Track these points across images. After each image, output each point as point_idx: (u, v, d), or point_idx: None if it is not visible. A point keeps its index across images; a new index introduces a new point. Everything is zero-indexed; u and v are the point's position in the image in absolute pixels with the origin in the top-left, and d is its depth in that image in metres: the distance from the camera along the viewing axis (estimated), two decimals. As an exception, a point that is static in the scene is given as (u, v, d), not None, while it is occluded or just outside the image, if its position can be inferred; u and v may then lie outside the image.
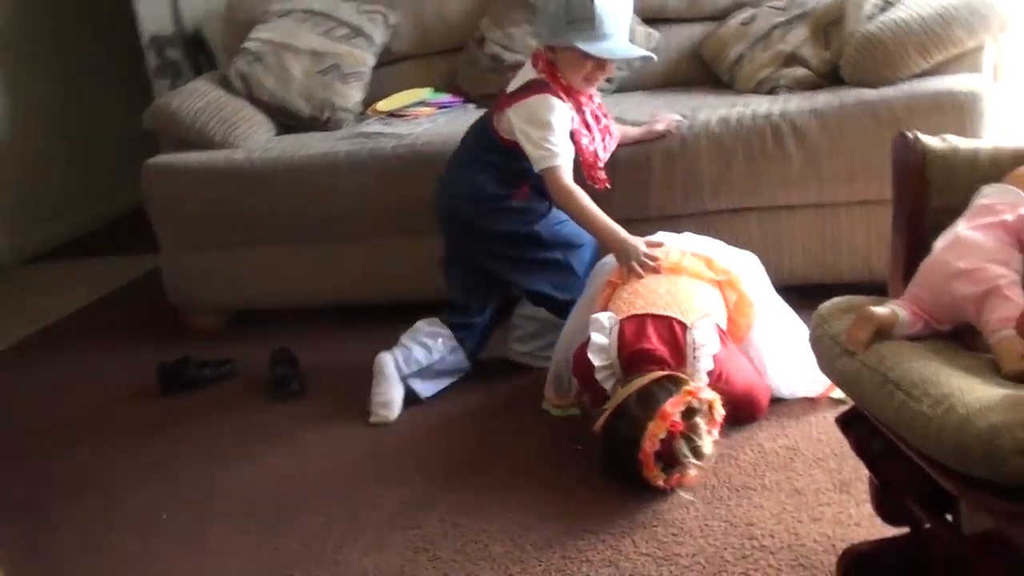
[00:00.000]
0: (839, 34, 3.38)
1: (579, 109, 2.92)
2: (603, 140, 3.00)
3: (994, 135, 3.08)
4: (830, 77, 3.36)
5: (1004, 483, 1.38)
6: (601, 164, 2.97)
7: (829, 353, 1.79)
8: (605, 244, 2.85)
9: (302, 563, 2.32)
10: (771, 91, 3.38)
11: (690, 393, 2.35)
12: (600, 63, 2.86)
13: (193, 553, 2.44)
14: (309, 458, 2.79)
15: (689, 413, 2.35)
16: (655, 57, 3.12)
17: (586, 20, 2.76)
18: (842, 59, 3.30)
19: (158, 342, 3.76)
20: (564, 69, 2.86)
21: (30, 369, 3.80)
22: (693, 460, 2.32)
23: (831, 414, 2.58)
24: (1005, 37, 3.28)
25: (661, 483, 2.34)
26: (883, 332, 1.74)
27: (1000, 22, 3.16)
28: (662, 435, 2.30)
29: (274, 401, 3.17)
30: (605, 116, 3.04)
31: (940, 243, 1.80)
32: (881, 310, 1.75)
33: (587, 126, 2.94)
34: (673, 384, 2.38)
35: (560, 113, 2.84)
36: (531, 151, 2.83)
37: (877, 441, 1.86)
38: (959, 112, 3.00)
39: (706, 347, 2.48)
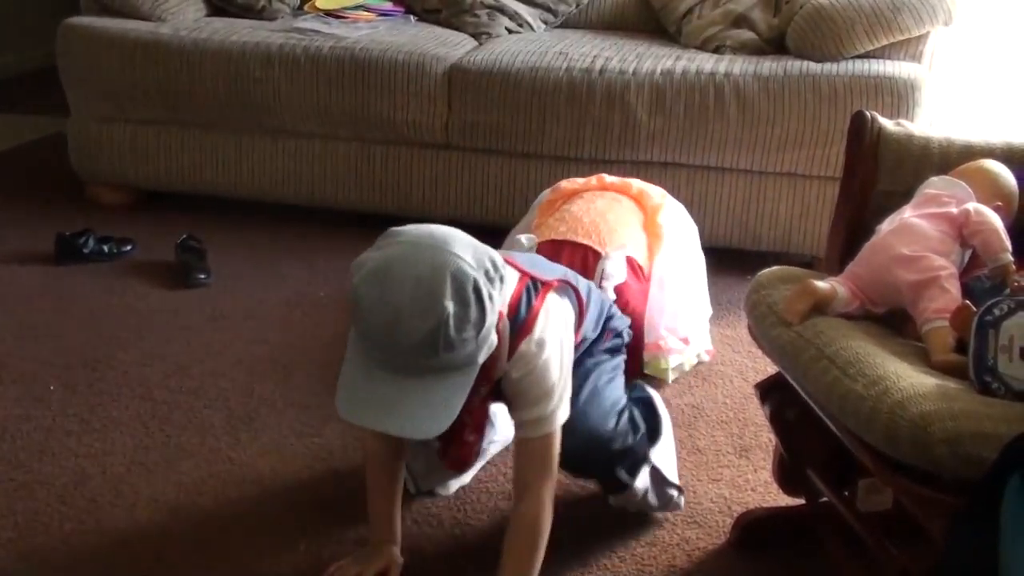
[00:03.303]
0: (791, 2, 3.39)
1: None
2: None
3: (923, 125, 3.13)
4: (775, 44, 3.37)
5: (928, 470, 1.41)
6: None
7: (764, 321, 1.81)
8: None
9: (195, 456, 2.27)
10: (716, 50, 3.37)
11: None
12: None
13: (80, 428, 2.37)
14: (209, 352, 2.72)
15: None
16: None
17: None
18: (789, 28, 3.32)
19: (57, 210, 3.62)
20: None
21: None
22: None
23: (738, 379, 2.63)
24: (947, 30, 3.33)
25: None
26: (820, 307, 1.76)
27: (946, 15, 3.20)
28: None
29: (178, 288, 3.08)
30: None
31: (886, 226, 1.83)
32: (822, 285, 1.77)
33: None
34: None
35: None
36: None
37: (792, 412, 1.89)
38: (896, 98, 3.04)
39: (613, 278, 2.50)
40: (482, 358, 1.61)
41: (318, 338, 2.80)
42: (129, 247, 3.32)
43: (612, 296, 2.48)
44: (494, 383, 1.77)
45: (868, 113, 1.96)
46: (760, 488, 2.19)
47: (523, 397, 1.75)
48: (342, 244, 3.38)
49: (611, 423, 1.93)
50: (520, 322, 1.73)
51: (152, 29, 3.56)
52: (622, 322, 2.07)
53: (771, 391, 1.93)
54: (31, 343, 2.75)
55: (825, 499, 1.95)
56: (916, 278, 1.71)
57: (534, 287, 1.79)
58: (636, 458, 1.98)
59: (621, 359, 2.06)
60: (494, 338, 1.63)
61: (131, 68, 3.53)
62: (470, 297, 1.55)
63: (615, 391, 1.99)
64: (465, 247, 1.61)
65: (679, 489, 2.09)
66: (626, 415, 1.97)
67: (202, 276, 3.10)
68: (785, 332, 1.74)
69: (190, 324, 2.87)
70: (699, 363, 2.70)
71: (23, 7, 5.34)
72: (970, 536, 1.26)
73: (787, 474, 2.01)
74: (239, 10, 3.76)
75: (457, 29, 3.66)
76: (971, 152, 1.94)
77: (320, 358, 2.69)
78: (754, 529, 2.03)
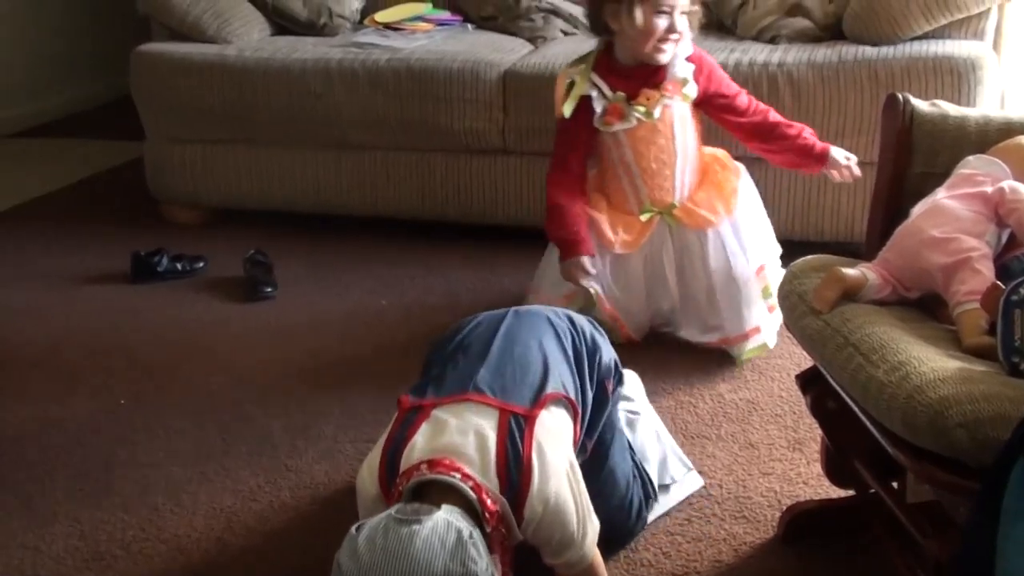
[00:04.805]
0: (846, -13, 3.33)
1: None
2: None
3: (991, 103, 3.05)
4: (832, 31, 3.32)
5: (947, 455, 1.38)
6: None
7: (795, 310, 1.79)
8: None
9: (253, 463, 2.33)
10: (772, 40, 3.33)
11: None
12: None
13: (146, 438, 2.45)
14: (271, 363, 2.78)
15: None
16: None
17: None
18: (845, 13, 3.26)
19: (135, 231, 3.73)
20: None
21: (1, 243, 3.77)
22: None
23: (795, 371, 2.58)
24: (1010, 5, 3.24)
25: None
26: (851, 294, 1.74)
27: (1007, -10, 3.12)
28: None
29: (245, 302, 3.16)
30: None
31: (918, 209, 1.80)
32: (851, 272, 1.74)
33: None
34: None
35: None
36: None
37: (833, 402, 1.87)
38: (957, 78, 2.96)
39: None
40: None
41: (378, 347, 2.84)
42: (201, 264, 3.41)
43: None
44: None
45: (900, 95, 1.92)
46: (812, 481, 2.16)
47: (547, 545, 1.69)
48: (404, 254, 3.45)
49: (626, 506, 1.97)
50: (515, 483, 1.62)
51: (218, 51, 3.65)
52: (608, 354, 1.95)
53: (812, 382, 1.91)
54: (104, 358, 2.85)
55: (874, 490, 1.91)
56: (946, 260, 1.68)
57: (517, 426, 1.66)
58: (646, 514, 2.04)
59: (623, 421, 2.05)
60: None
61: (199, 90, 3.63)
62: None
63: (625, 466, 1.98)
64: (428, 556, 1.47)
65: (687, 469, 2.16)
66: (637, 485, 1.99)
67: (268, 289, 3.17)
68: (814, 321, 1.72)
69: (255, 337, 2.94)
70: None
71: (104, 38, 5.52)
72: (985, 522, 1.23)
73: (835, 465, 1.98)
74: (302, 28, 3.84)
75: (513, 34, 3.68)
76: (1011, 129, 1.88)
77: (379, 367, 2.73)
78: (802, 522, 2.00)
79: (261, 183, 3.67)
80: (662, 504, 2.09)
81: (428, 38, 3.63)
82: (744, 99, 2.75)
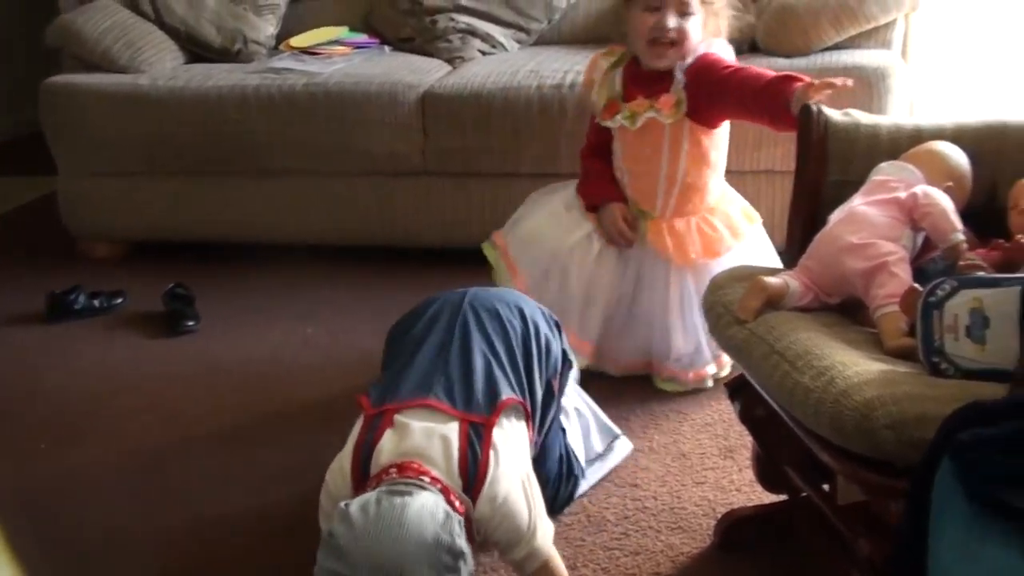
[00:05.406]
0: (759, 1, 3.39)
1: None
2: None
3: (900, 111, 3.13)
4: (747, 43, 3.36)
5: (876, 456, 1.41)
6: None
7: (720, 321, 1.81)
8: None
9: (185, 504, 2.28)
10: (687, 54, 3.37)
11: None
12: None
13: (68, 484, 2.39)
14: (198, 398, 2.73)
15: None
16: None
17: None
18: (758, 26, 3.32)
19: (51, 268, 3.65)
20: None
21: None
22: None
23: (723, 380, 2.62)
24: (916, 15, 3.33)
25: None
26: (774, 302, 1.76)
27: (912, 0, 3.20)
28: None
29: (168, 336, 3.10)
30: None
31: (835, 216, 1.83)
32: (773, 280, 1.77)
33: None
34: None
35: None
36: None
37: (761, 409, 1.88)
38: (867, 87, 3.03)
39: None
40: None
41: (306, 376, 2.81)
42: (120, 300, 3.34)
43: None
44: None
45: (814, 105, 1.96)
46: (745, 488, 2.18)
47: (497, 544, 1.77)
48: (329, 279, 3.42)
49: (552, 481, 2.10)
50: (472, 484, 1.69)
51: (131, 81, 3.60)
52: (556, 349, 2.00)
53: (740, 389, 1.93)
54: (23, 403, 2.77)
55: (805, 494, 1.94)
56: (865, 265, 1.71)
57: (476, 433, 1.73)
58: (574, 486, 2.18)
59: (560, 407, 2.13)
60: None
61: (112, 122, 3.57)
62: None
63: (556, 444, 2.11)
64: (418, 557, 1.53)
65: (615, 436, 2.31)
66: (564, 473, 2.14)
67: (190, 323, 3.12)
68: (739, 330, 1.74)
69: (179, 372, 2.89)
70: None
71: (11, 73, 5.41)
72: (915, 521, 1.25)
73: (766, 471, 2.00)
74: (216, 55, 3.79)
75: (431, 55, 3.68)
76: (921, 136, 1.93)
77: (307, 396, 2.70)
78: (737, 529, 2.02)
79: (180, 214, 3.61)
80: (589, 479, 2.22)
81: (345, 62, 3.61)
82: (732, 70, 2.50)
